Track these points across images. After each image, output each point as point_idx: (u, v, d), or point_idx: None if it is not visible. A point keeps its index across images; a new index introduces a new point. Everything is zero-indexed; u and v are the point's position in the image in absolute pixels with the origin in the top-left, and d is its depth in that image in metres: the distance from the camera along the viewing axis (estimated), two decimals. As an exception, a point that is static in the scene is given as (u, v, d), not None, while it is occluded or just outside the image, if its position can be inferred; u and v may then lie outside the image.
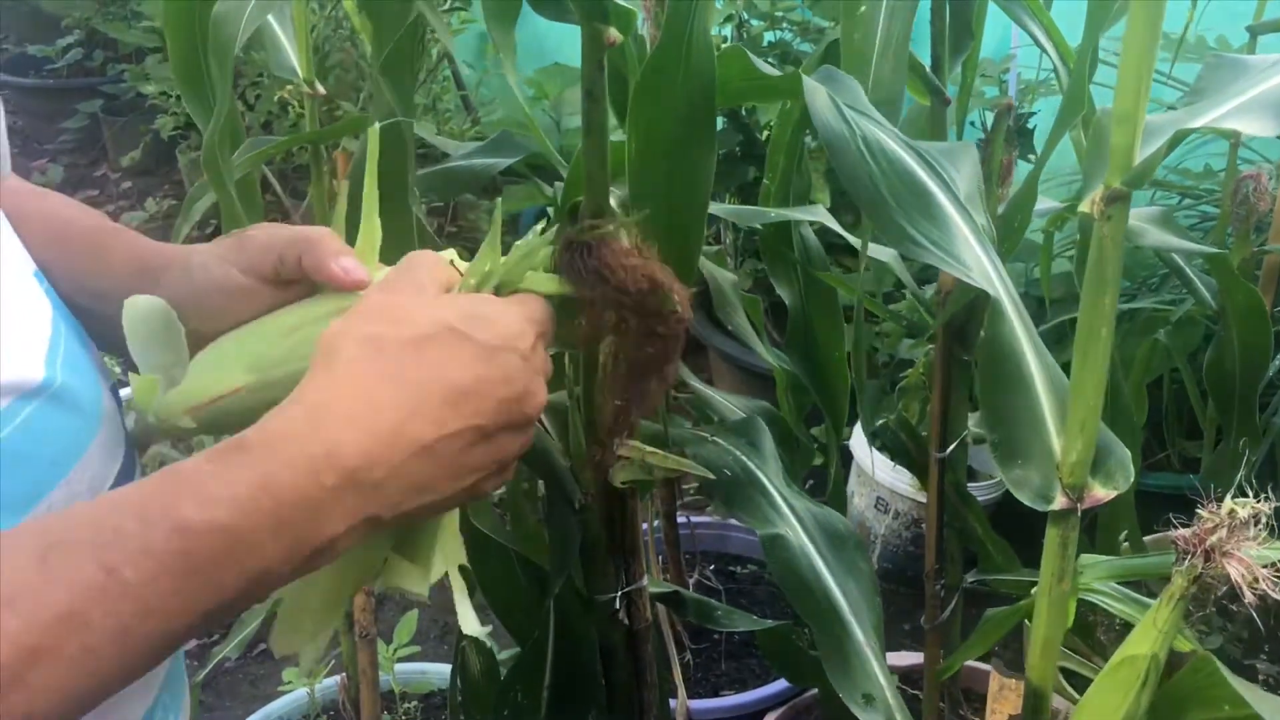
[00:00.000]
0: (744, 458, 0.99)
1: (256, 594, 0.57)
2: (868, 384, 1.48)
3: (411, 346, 0.60)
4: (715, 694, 1.80)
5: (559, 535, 1.06)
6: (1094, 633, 1.42)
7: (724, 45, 1.19)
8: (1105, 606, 0.86)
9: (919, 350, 1.81)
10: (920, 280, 1.59)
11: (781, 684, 1.75)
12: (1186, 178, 2.38)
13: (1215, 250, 1.34)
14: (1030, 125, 2.37)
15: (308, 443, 0.56)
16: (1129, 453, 0.75)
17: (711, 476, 0.91)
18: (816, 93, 0.84)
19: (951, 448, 1.37)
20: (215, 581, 0.54)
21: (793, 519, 0.95)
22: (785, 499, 0.97)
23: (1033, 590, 1.18)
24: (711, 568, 2.04)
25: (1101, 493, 0.73)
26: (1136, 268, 2.29)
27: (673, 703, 1.65)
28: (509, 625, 1.17)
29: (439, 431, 0.59)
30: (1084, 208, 0.68)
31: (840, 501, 1.49)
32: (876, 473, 2.35)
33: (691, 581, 1.95)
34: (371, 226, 0.73)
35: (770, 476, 0.98)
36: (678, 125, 0.93)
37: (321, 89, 1.44)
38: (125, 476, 0.68)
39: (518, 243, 0.70)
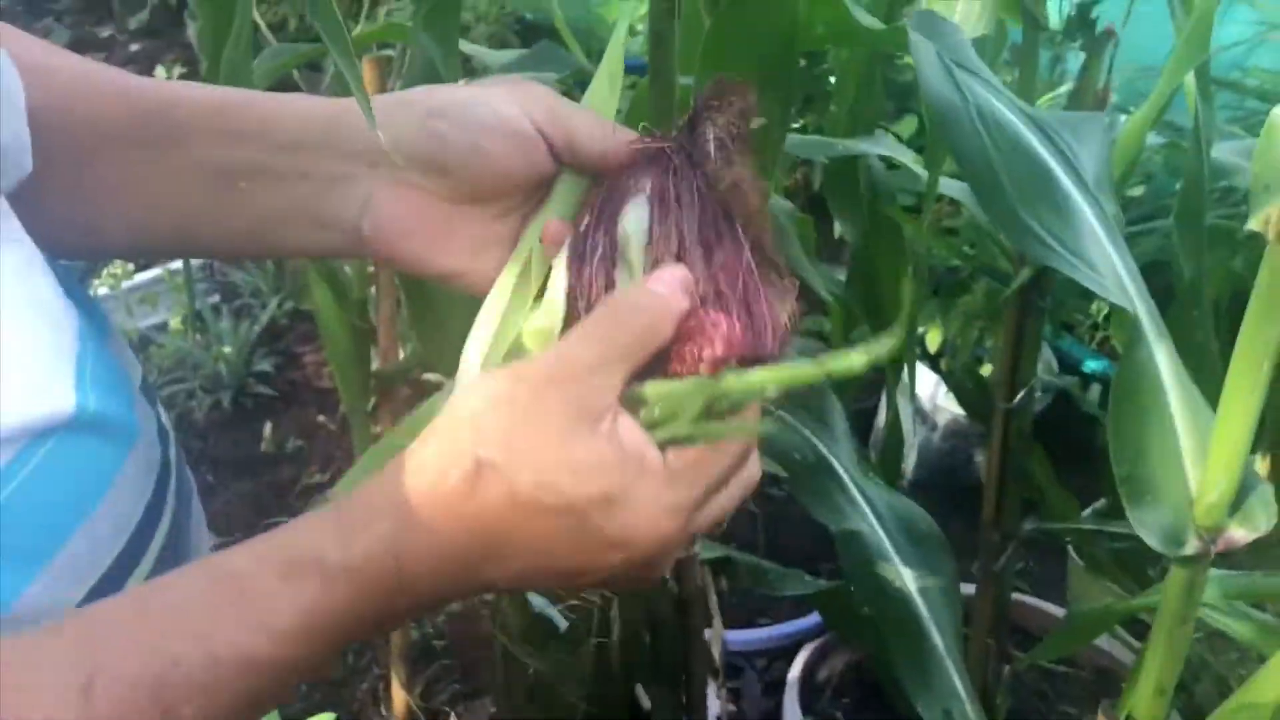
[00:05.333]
0: (814, 438, 0.91)
1: None
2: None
3: (515, 504, 0.52)
4: (750, 622, 1.76)
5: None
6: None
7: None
8: (1218, 625, 0.79)
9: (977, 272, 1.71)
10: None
11: (817, 615, 1.71)
12: (1259, 78, 2.23)
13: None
14: (1094, 16, 2.22)
15: (390, 586, 0.51)
16: (1271, 488, 0.66)
17: (782, 471, 0.83)
18: (925, 52, 0.73)
19: (1019, 397, 1.28)
20: (274, 699, 0.50)
21: (869, 513, 0.88)
22: (861, 489, 0.89)
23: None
24: (746, 486, 1.98)
25: (1239, 534, 0.65)
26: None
27: (708, 632, 1.62)
28: (548, 594, 1.11)
29: (514, 584, 0.55)
30: (1255, 225, 0.58)
31: (897, 446, 1.41)
32: (918, 384, 2.28)
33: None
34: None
35: (844, 462, 0.90)
36: (751, 75, 0.83)
37: (347, -10, 1.32)
38: (153, 512, 0.60)
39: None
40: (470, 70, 1.26)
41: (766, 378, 0.55)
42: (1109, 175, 0.73)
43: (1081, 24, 2.18)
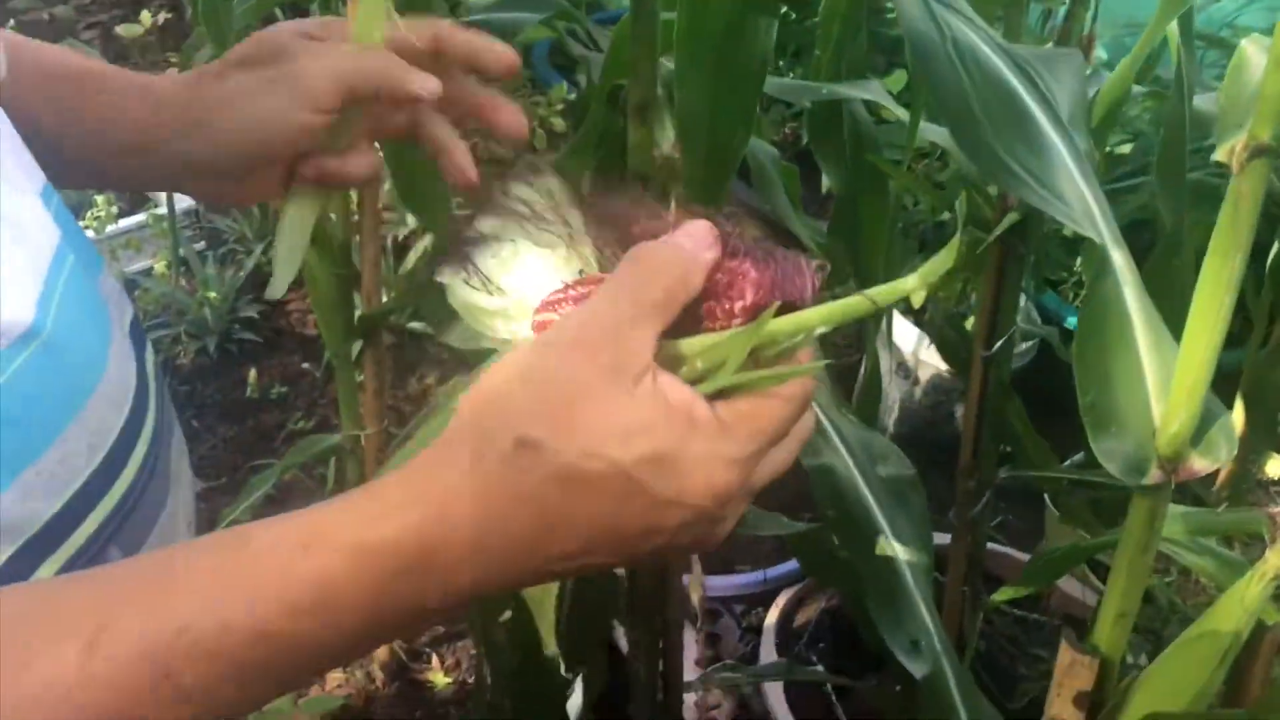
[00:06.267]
0: (790, 375, 0.92)
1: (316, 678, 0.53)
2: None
3: (564, 481, 0.48)
4: (729, 568, 1.78)
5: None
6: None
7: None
8: (1183, 560, 0.81)
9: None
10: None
11: (795, 563, 1.73)
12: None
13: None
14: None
15: (417, 576, 0.48)
16: (1231, 418, 0.68)
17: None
18: (904, -16, 0.73)
19: (998, 345, 1.30)
20: (285, 681, 0.49)
21: (842, 448, 0.89)
22: (834, 424, 0.90)
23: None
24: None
25: (1200, 465, 0.66)
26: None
27: (686, 578, 1.63)
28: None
29: (575, 565, 0.51)
30: (1220, 156, 0.59)
31: (875, 394, 1.43)
32: (900, 338, 2.29)
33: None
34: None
35: (819, 398, 0.91)
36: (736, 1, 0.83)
37: (331, -73, 1.31)
38: (133, 426, 0.62)
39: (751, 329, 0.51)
40: (455, 6, 1.25)
41: (813, 316, 0.52)
42: (1084, 112, 0.73)
43: (1072, -23, 2.17)
